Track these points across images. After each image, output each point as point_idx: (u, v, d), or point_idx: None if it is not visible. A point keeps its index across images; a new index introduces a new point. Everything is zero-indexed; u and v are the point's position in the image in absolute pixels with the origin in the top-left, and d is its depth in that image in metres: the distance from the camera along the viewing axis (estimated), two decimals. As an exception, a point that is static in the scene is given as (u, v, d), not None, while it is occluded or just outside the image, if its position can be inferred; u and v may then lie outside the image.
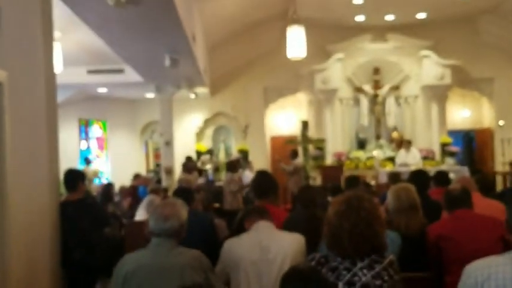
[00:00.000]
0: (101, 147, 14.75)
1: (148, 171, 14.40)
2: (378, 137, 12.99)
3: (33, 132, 3.54)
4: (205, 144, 14.29)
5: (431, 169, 8.50)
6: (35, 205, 3.49)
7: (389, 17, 12.46)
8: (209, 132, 14.52)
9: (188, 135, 14.12)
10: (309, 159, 12.82)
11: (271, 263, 2.76)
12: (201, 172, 11.58)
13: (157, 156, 14.19)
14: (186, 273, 2.49)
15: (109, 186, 8.50)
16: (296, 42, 9.73)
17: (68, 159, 9.84)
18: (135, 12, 5.81)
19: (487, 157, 13.82)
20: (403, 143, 12.13)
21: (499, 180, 11.63)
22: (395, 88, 13.06)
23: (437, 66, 12.67)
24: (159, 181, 10.93)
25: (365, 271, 2.00)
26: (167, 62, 8.16)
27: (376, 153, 12.46)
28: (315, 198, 3.71)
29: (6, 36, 3.09)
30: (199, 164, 12.54)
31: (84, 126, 14.29)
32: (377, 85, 12.99)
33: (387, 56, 13.02)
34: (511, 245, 2.45)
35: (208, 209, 7.22)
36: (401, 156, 11.76)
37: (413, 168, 9.40)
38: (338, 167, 11.97)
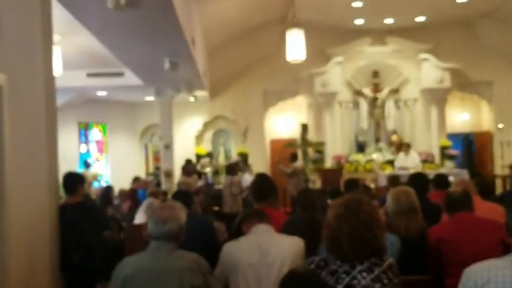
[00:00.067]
0: (100, 151, 14.73)
1: (147, 174, 14.40)
2: (377, 140, 13.00)
3: (32, 133, 3.55)
4: (205, 147, 14.29)
5: (431, 172, 8.50)
6: (34, 205, 3.50)
7: (389, 21, 12.48)
8: (209, 135, 14.52)
9: (188, 139, 14.12)
10: (309, 162, 12.81)
11: (270, 266, 2.76)
12: (201, 175, 11.58)
13: (156, 159, 14.19)
14: (185, 277, 2.48)
15: (108, 190, 8.48)
16: (295, 46, 9.75)
17: (68, 163, 9.84)
18: (135, 15, 5.82)
19: (487, 160, 13.82)
20: (402, 146, 12.13)
21: (498, 183, 11.62)
22: (395, 91, 13.07)
23: (436, 70, 12.69)
24: (158, 184, 10.92)
25: (364, 274, 1.99)
26: (167, 65, 8.17)
27: (375, 156, 12.46)
28: (314, 201, 3.71)
29: (5, 39, 3.10)
30: (198, 167, 12.53)
31: (84, 129, 14.29)
32: (376, 88, 13.01)
33: (386, 59, 13.04)
34: (510, 248, 2.45)
35: (207, 212, 7.22)
36: (401, 159, 11.75)
37: (412, 171, 9.40)
38: (337, 170, 11.98)
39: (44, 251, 3.62)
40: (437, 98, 12.92)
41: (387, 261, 2.05)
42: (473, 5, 11.45)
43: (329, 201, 4.24)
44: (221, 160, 14.17)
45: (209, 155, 14.02)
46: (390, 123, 12.97)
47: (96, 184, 13.10)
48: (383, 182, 10.02)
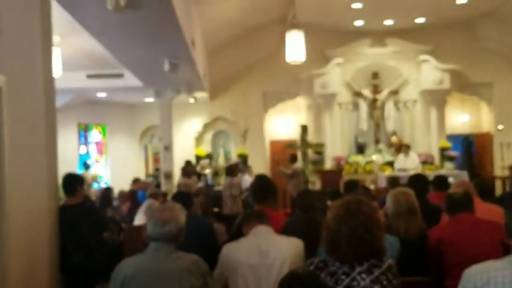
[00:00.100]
0: (100, 152, 14.73)
1: (147, 175, 14.39)
2: (377, 142, 12.99)
3: (32, 134, 3.55)
4: (205, 148, 14.29)
5: (431, 173, 8.50)
6: (34, 205, 3.50)
7: (388, 22, 12.48)
8: (208, 136, 14.52)
9: (187, 140, 14.12)
10: (308, 164, 12.81)
11: (270, 267, 2.75)
12: (200, 176, 11.57)
13: (156, 160, 14.19)
14: (185, 278, 2.48)
15: (108, 191, 8.46)
16: (295, 47, 9.75)
17: (67, 164, 9.83)
18: (135, 17, 5.82)
19: (486, 161, 13.82)
20: (402, 148, 12.12)
21: (498, 184, 11.60)
22: (394, 92, 13.07)
23: (436, 71, 12.69)
24: (158, 185, 10.91)
25: (364, 276, 1.99)
26: (166, 67, 8.17)
27: (375, 157, 12.46)
28: (314, 202, 3.71)
29: (5, 40, 3.10)
30: (198, 169, 12.53)
31: (84, 130, 14.29)
32: (376, 89, 13.01)
33: (386, 61, 13.05)
34: (510, 249, 2.45)
35: (207, 214, 7.21)
36: (400, 160, 11.75)
37: (412, 172, 9.40)
38: (337, 171, 11.98)
39: (43, 252, 3.63)
40: (437, 99, 12.92)
41: (387, 263, 2.05)
42: (473, 5, 11.45)
43: (329, 202, 4.25)
44: (221, 161, 14.17)
45: (209, 156, 14.02)
46: (390, 125, 12.97)
47: (95, 185, 13.11)
48: (383, 183, 10.01)
